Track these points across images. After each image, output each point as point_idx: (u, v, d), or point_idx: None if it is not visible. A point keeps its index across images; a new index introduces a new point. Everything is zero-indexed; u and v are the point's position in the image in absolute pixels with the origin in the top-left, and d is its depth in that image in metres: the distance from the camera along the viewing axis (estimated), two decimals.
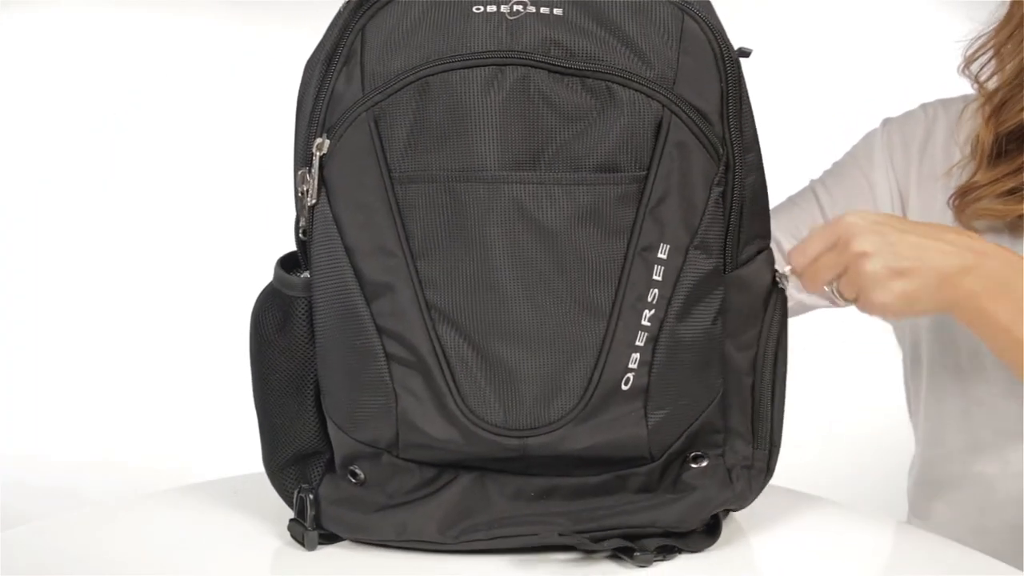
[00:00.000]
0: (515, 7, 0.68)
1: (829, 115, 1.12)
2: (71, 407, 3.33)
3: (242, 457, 0.98)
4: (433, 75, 0.68)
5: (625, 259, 0.69)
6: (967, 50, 0.98)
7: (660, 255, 0.69)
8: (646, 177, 0.69)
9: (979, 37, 0.97)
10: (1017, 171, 0.92)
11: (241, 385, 0.86)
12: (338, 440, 0.73)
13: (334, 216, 0.71)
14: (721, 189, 0.70)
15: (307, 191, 0.71)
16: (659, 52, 0.68)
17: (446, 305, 0.70)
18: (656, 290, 0.70)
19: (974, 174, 0.94)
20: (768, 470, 0.75)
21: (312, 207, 0.72)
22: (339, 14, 0.72)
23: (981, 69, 0.97)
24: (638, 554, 0.69)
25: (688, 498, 0.72)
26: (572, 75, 0.68)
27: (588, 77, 0.68)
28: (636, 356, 0.70)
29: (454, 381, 0.70)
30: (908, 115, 1.04)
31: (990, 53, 0.96)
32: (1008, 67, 0.94)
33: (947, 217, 0.95)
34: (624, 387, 0.70)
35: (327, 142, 0.70)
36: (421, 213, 0.70)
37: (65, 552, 0.72)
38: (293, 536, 0.73)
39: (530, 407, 0.70)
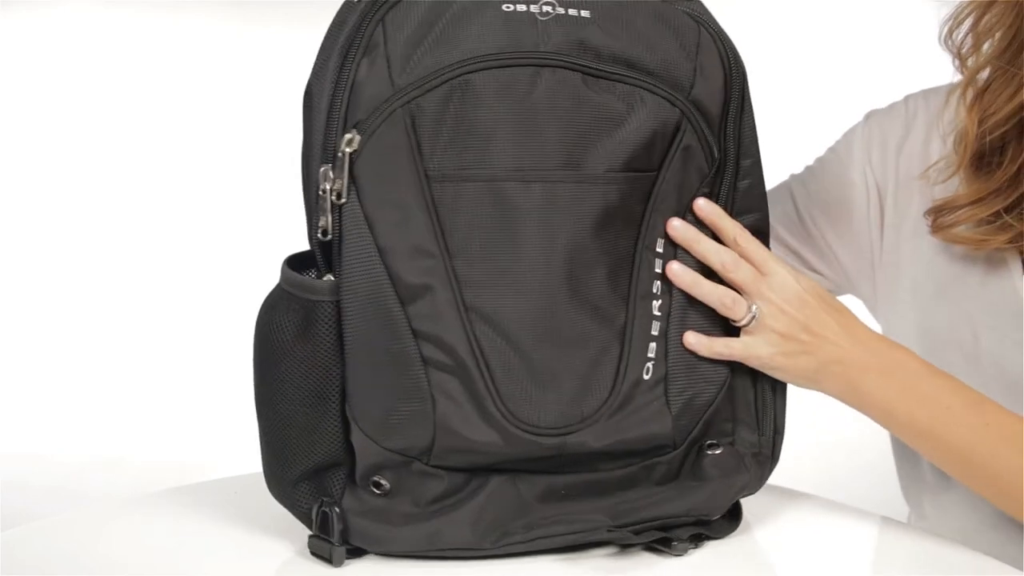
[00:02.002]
0: (544, 7, 0.69)
1: (825, 112, 1.09)
2: (71, 406, 3.33)
3: (243, 457, 0.97)
4: (473, 73, 0.67)
5: (635, 253, 0.72)
6: (952, 16, 0.88)
7: (658, 249, 0.73)
8: (656, 176, 0.72)
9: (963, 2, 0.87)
10: (999, 191, 0.84)
11: (241, 384, 0.86)
12: (365, 450, 0.70)
13: (365, 215, 0.68)
14: (707, 191, 0.74)
15: (331, 189, 0.68)
16: (679, 60, 0.71)
17: (485, 305, 0.69)
18: (659, 282, 0.73)
19: (955, 178, 0.87)
20: (774, 456, 0.77)
21: (340, 206, 0.68)
22: (350, 4, 0.70)
23: (964, 39, 0.87)
24: (675, 543, 0.72)
25: (712, 484, 0.73)
26: (603, 78, 0.69)
27: (618, 81, 0.70)
28: (653, 346, 0.73)
29: (493, 383, 0.69)
30: (890, 109, 0.98)
31: (970, 23, 0.86)
32: (987, 44, 0.85)
33: (922, 225, 0.90)
34: (646, 376, 0.72)
35: (357, 138, 0.68)
36: (459, 212, 0.68)
37: (65, 552, 0.72)
38: (315, 553, 0.70)
39: (567, 405, 0.70)
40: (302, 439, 0.71)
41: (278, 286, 0.72)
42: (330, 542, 0.69)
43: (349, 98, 0.67)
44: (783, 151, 1.01)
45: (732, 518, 0.76)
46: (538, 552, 0.71)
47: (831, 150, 1.00)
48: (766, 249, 0.77)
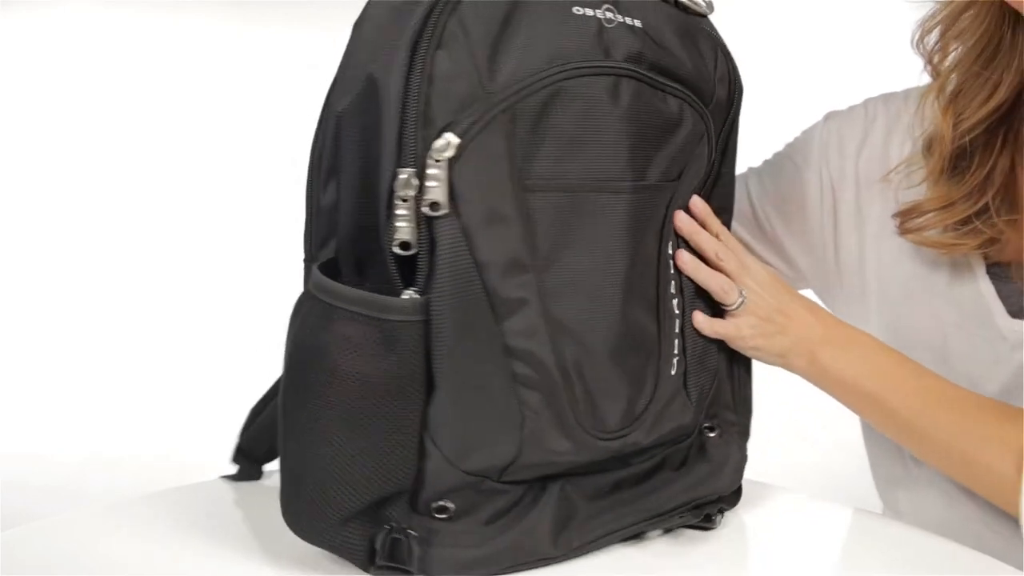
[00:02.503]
0: (607, 13, 0.68)
1: (799, 110, 1.08)
2: (71, 406, 3.33)
3: None
4: (569, 80, 0.65)
5: (660, 255, 0.74)
6: (923, 20, 0.87)
7: (668, 251, 0.75)
8: (678, 183, 0.74)
9: (938, 4, 0.87)
10: (968, 196, 0.84)
11: (241, 385, 0.86)
12: (440, 474, 0.65)
13: (463, 227, 0.62)
14: (698, 193, 0.78)
15: (419, 197, 0.61)
16: (705, 74, 0.73)
17: (564, 315, 0.67)
18: (674, 281, 0.75)
19: (925, 181, 0.87)
20: (748, 432, 0.82)
21: (433, 218, 0.62)
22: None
23: (935, 45, 0.87)
24: (713, 518, 0.76)
25: (723, 464, 0.77)
26: (660, 89, 0.70)
27: (671, 94, 0.71)
28: (677, 342, 0.75)
29: (572, 393, 0.68)
30: (850, 111, 0.98)
31: (943, 28, 0.86)
32: (958, 49, 0.84)
33: (886, 227, 0.91)
34: (672, 373, 0.74)
35: (456, 141, 0.62)
36: (546, 223, 0.66)
37: (65, 552, 0.72)
38: None
39: (626, 406, 0.71)
40: (364, 472, 0.63)
41: (327, 304, 0.63)
42: (407, 571, 0.64)
43: (428, 97, 0.62)
44: (758, 147, 1.01)
45: (737, 490, 0.80)
46: (601, 548, 0.72)
47: (789, 147, 1.00)
48: (740, 243, 0.81)
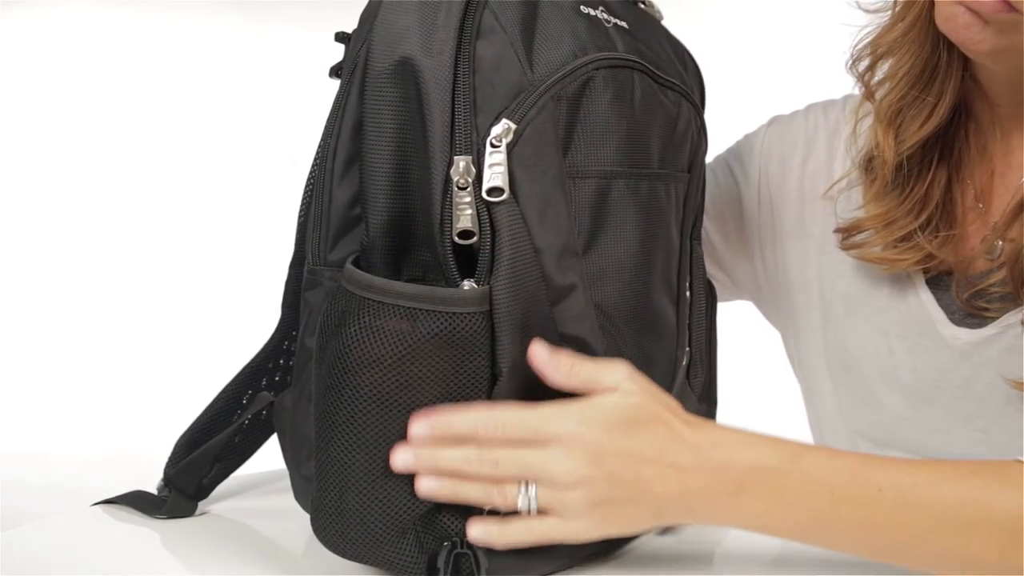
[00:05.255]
0: (602, 14, 0.69)
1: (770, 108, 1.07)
2: (71, 406, 3.33)
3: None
4: (599, 70, 0.66)
5: (681, 248, 0.75)
6: (855, 42, 0.86)
7: (688, 245, 0.77)
8: (689, 177, 0.76)
9: (868, 27, 0.85)
10: (909, 212, 0.83)
11: None
12: None
13: (522, 214, 0.62)
14: (700, 193, 0.79)
15: (472, 183, 0.60)
16: (685, 75, 0.76)
17: (606, 301, 0.67)
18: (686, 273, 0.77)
19: (864, 202, 0.86)
20: (716, 402, 0.82)
21: (493, 203, 0.61)
22: None
23: (866, 71, 0.85)
24: None
25: None
26: (660, 83, 0.71)
27: (669, 88, 0.72)
28: (688, 335, 0.77)
29: None
30: (791, 119, 0.97)
31: (875, 55, 0.85)
32: (896, 74, 0.83)
33: (828, 242, 0.90)
34: (684, 362, 0.76)
35: (513, 127, 0.61)
36: (583, 209, 0.66)
37: (65, 552, 0.72)
38: None
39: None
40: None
41: (375, 303, 0.61)
42: None
43: (474, 83, 0.61)
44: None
45: None
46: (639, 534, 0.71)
47: (729, 152, 1.00)
48: (534, 409, 0.62)
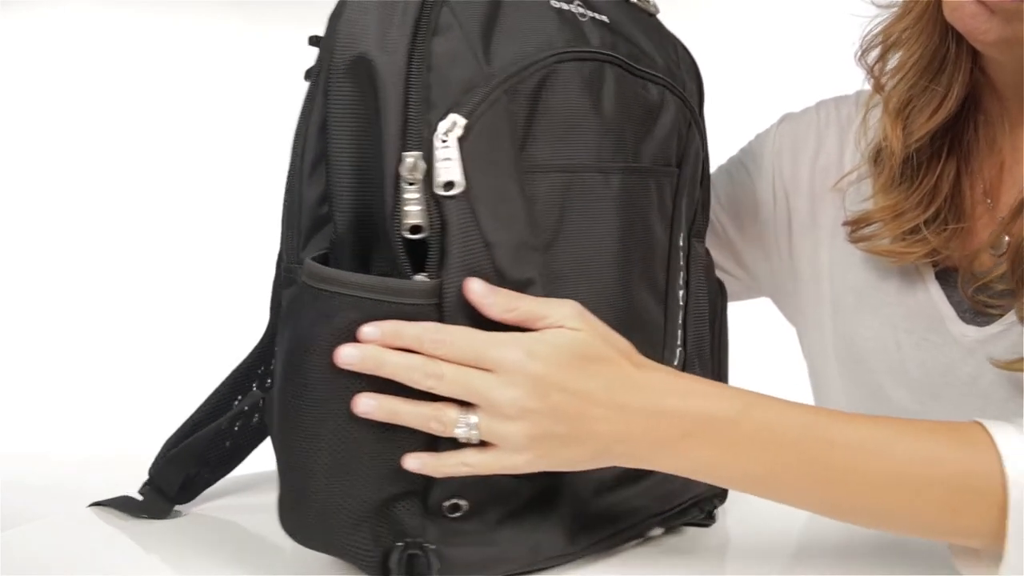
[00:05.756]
0: (577, 8, 0.69)
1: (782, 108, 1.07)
2: (71, 406, 3.33)
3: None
4: (561, 63, 0.66)
5: (670, 245, 0.74)
6: (864, 36, 0.87)
7: (680, 243, 0.75)
8: (679, 173, 0.74)
9: (878, 19, 0.86)
10: (918, 205, 0.83)
11: None
12: None
13: (472, 208, 0.62)
14: (698, 185, 0.78)
15: (422, 179, 0.61)
16: (675, 67, 0.75)
17: (576, 298, 0.65)
18: (682, 273, 0.75)
19: (872, 194, 0.86)
20: None
21: (442, 197, 0.61)
22: None
23: (877, 60, 0.86)
24: (711, 513, 0.76)
25: None
26: (639, 76, 0.71)
27: (650, 80, 0.71)
28: (680, 334, 0.74)
29: None
30: (803, 114, 0.97)
31: (884, 45, 0.85)
32: (905, 64, 0.83)
33: (838, 236, 0.90)
34: (675, 364, 0.73)
35: (463, 122, 0.62)
36: (546, 204, 0.66)
37: (65, 552, 0.72)
38: None
39: None
40: (376, 467, 0.62)
41: (329, 294, 0.62)
42: None
43: (428, 81, 0.62)
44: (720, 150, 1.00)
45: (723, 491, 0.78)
46: (617, 545, 0.71)
47: (742, 152, 1.00)
48: (480, 334, 0.61)
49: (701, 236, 0.79)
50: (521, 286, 0.63)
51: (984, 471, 0.62)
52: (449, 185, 0.61)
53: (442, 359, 0.60)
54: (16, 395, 3.38)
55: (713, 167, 0.97)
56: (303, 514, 0.63)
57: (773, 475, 0.64)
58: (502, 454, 0.61)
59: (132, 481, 0.81)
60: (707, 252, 0.80)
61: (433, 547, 0.62)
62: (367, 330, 0.60)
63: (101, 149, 3.75)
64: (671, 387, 0.63)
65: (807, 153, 0.95)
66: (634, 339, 0.68)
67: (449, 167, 0.61)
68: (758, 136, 0.99)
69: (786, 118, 0.98)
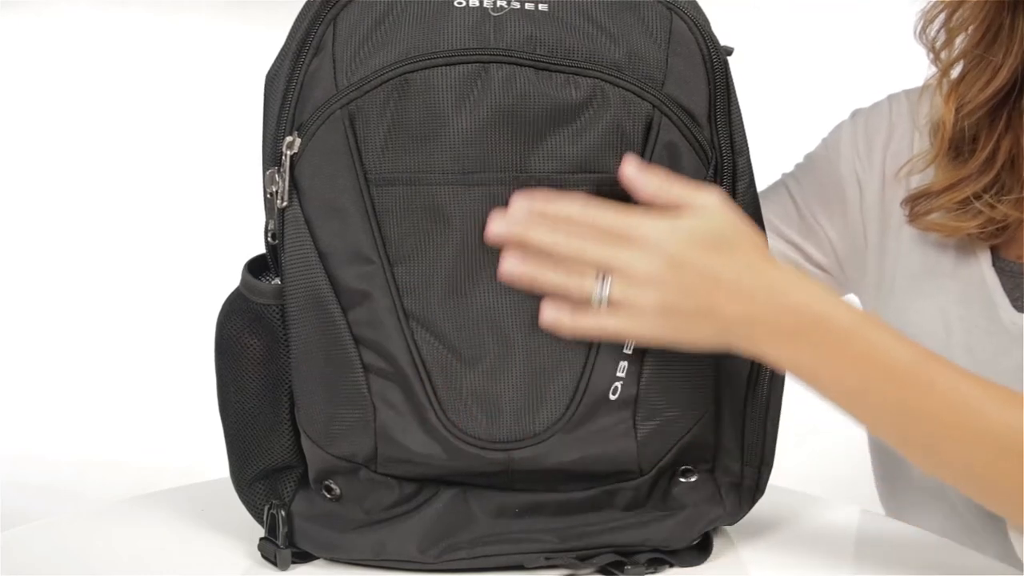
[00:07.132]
0: (499, 3, 0.65)
1: (820, 114, 1.09)
2: (71, 406, 3.33)
3: None
4: (413, 72, 0.65)
5: None
6: (924, 11, 0.89)
7: None
8: (614, 178, 0.66)
9: None
10: (971, 176, 0.85)
11: None
12: (312, 455, 0.70)
13: (306, 219, 0.67)
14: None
15: (276, 192, 0.67)
16: (648, 51, 0.66)
17: (424, 313, 0.66)
18: None
19: (931, 169, 0.88)
20: (759, 488, 0.72)
21: (283, 209, 0.68)
22: (308, 3, 0.68)
23: (937, 34, 0.88)
24: (628, 567, 0.68)
25: (678, 515, 0.70)
26: (560, 72, 0.65)
27: (577, 74, 0.65)
28: (624, 364, 0.68)
29: (435, 393, 0.67)
30: (875, 107, 0.98)
31: (943, 18, 0.87)
32: (960, 38, 0.85)
33: (902, 220, 0.91)
34: (612, 396, 0.68)
35: (298, 140, 0.67)
36: (398, 217, 0.66)
37: (65, 552, 0.73)
38: (264, 555, 0.70)
39: (514, 419, 0.67)
40: (258, 440, 0.71)
41: (237, 288, 0.72)
42: (277, 545, 0.69)
43: (296, 102, 0.67)
44: (774, 151, 1.01)
45: (701, 549, 0.71)
46: (482, 570, 0.68)
47: (822, 144, 1.01)
48: (624, 213, 0.65)
49: None
50: (358, 297, 0.67)
51: None
52: (282, 198, 0.67)
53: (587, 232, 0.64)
54: (16, 395, 3.37)
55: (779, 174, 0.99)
56: (230, 469, 0.73)
57: (864, 394, 0.66)
58: (632, 319, 0.64)
59: (132, 482, 0.81)
60: None
61: (284, 514, 0.69)
62: (515, 207, 0.65)
63: (101, 149, 3.74)
64: (797, 286, 0.66)
65: (880, 140, 0.96)
66: (511, 366, 0.67)
67: (283, 182, 0.67)
68: (832, 130, 1.00)
69: (858, 112, 1.00)
